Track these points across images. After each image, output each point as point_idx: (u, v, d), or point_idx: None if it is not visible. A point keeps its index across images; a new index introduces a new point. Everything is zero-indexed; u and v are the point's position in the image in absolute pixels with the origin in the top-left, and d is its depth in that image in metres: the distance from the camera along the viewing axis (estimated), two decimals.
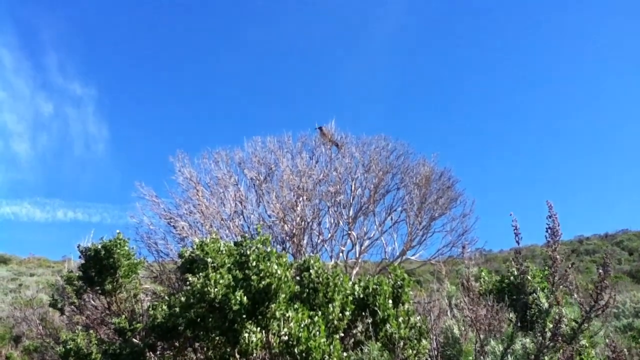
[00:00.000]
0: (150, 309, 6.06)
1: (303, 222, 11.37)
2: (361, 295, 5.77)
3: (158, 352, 6.09)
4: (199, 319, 5.14)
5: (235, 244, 6.04)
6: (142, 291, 8.81)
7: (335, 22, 68.32)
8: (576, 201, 47.92)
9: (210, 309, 5.01)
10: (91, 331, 7.08)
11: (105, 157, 62.00)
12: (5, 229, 47.61)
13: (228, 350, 5.08)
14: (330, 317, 5.31)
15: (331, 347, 5.00)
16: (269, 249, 5.37)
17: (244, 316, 4.94)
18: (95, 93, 63.33)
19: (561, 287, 3.63)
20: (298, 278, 5.60)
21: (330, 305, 5.36)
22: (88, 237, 8.12)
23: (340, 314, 5.43)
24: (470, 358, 4.41)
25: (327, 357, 4.94)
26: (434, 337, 5.52)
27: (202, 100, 67.73)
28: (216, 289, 4.90)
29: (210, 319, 5.01)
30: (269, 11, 66.73)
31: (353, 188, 12.78)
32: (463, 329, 4.65)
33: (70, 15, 61.02)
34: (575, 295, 3.50)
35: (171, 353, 6.10)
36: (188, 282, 5.18)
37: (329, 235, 12.28)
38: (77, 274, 8.22)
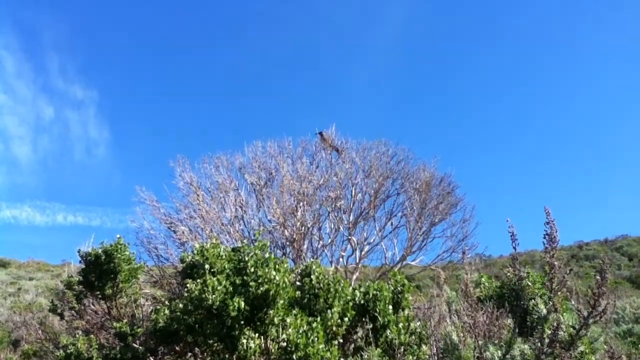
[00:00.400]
0: (153, 313, 6.07)
1: (303, 227, 11.38)
2: (361, 301, 5.78)
3: (159, 357, 6.10)
4: (197, 325, 5.14)
5: (234, 249, 6.06)
6: (142, 296, 8.82)
7: (336, 27, 68.47)
8: (576, 206, 47.94)
9: (208, 315, 5.02)
10: (91, 336, 7.08)
11: (105, 160, 62.04)
12: (5, 233, 47.57)
13: (227, 356, 5.08)
14: (329, 323, 5.32)
15: (329, 353, 5.01)
16: (267, 255, 5.38)
17: (242, 322, 4.94)
18: (96, 96, 63.38)
19: (560, 293, 3.65)
20: (299, 284, 5.61)
21: (329, 311, 5.37)
22: (88, 242, 8.14)
23: (339, 320, 5.43)
24: None
25: None
26: (434, 343, 5.53)
27: (203, 104, 67.84)
28: (214, 295, 4.91)
29: (208, 325, 5.02)
30: (269, 16, 66.91)
31: (353, 193, 12.80)
32: (462, 335, 4.66)
33: (71, 17, 61.15)
34: (573, 302, 3.51)
35: (171, 358, 6.11)
36: (186, 288, 5.19)
37: (329, 240, 12.30)
38: (77, 279, 8.23)
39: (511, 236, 3.67)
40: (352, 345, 5.60)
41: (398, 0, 65.30)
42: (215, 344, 5.04)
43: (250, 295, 4.95)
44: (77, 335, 7.04)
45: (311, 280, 5.49)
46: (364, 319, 5.58)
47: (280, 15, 67.07)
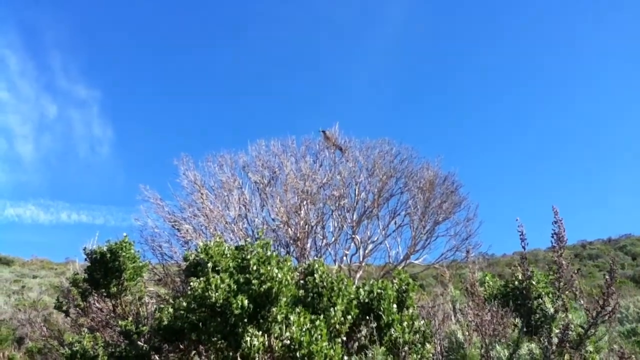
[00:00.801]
0: (157, 311, 6.09)
1: (307, 226, 11.39)
2: (365, 300, 5.78)
3: (163, 355, 6.12)
4: (200, 323, 5.16)
5: (237, 248, 6.07)
6: (147, 294, 8.84)
7: (337, 26, 68.41)
8: (579, 206, 47.84)
9: (211, 313, 5.03)
10: (97, 333, 7.10)
11: (109, 159, 62.12)
12: (9, 231, 47.70)
13: (230, 354, 5.09)
14: (332, 321, 5.33)
15: (332, 351, 5.02)
16: (269, 253, 5.39)
17: (246, 320, 4.95)
18: (99, 95, 63.51)
19: (567, 292, 3.65)
20: (302, 282, 5.62)
21: (332, 309, 5.38)
22: (93, 240, 8.16)
23: (342, 318, 5.44)
24: None
25: None
26: (438, 342, 5.54)
27: (206, 103, 67.87)
28: (217, 293, 4.92)
29: (212, 323, 5.03)
30: (270, 16, 66.90)
31: (357, 192, 12.80)
32: (467, 333, 4.66)
33: (74, 17, 61.22)
34: (582, 301, 3.51)
35: (176, 356, 6.12)
36: (190, 287, 5.21)
37: (333, 239, 12.30)
38: (83, 277, 8.25)
39: (520, 235, 3.68)
40: (356, 344, 5.61)
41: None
42: (219, 342, 5.05)
43: (253, 293, 4.97)
44: (82, 333, 7.06)
45: (314, 278, 5.49)
46: (368, 318, 5.58)
47: (282, 15, 67.10)
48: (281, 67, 69.47)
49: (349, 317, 5.48)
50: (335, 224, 12.51)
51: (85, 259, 7.86)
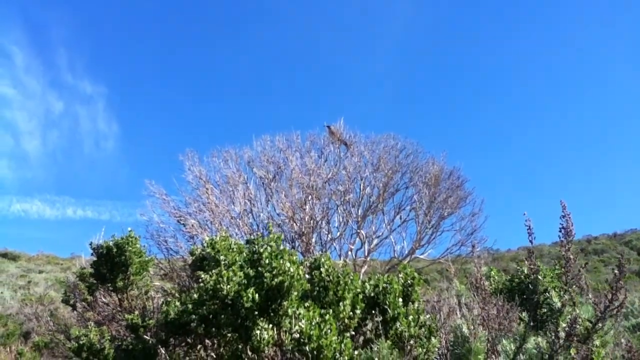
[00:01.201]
0: (163, 305, 6.12)
1: (312, 221, 11.41)
2: (371, 294, 5.79)
3: (169, 349, 6.15)
4: (210, 316, 5.18)
5: (247, 241, 6.09)
6: (153, 288, 8.88)
7: (343, 22, 68.32)
8: (584, 200, 47.63)
9: (222, 305, 5.06)
10: (104, 327, 7.15)
11: (115, 154, 62.39)
12: (16, 226, 48.02)
13: (240, 347, 5.12)
14: (341, 315, 5.34)
15: (342, 345, 5.03)
16: (281, 247, 5.41)
17: (256, 313, 4.98)
18: (105, 91, 63.72)
19: (574, 286, 3.65)
20: (308, 276, 5.64)
21: (340, 303, 5.39)
22: (99, 235, 8.20)
23: (351, 313, 5.46)
24: (480, 357, 4.43)
25: (338, 355, 4.97)
26: (444, 336, 5.55)
27: (211, 98, 67.97)
28: (229, 286, 4.95)
29: (222, 316, 5.06)
30: (277, 11, 66.84)
31: (362, 187, 12.81)
32: (472, 327, 4.67)
33: (80, 12, 61.30)
34: (590, 295, 3.51)
35: (182, 349, 6.16)
36: (200, 279, 5.23)
37: (338, 233, 12.33)
38: (89, 271, 8.30)
39: (528, 230, 3.67)
40: (362, 338, 5.63)
41: None
42: (229, 335, 5.08)
43: (265, 287, 4.99)
44: (89, 327, 7.11)
45: (321, 272, 5.51)
46: (373, 312, 5.60)
47: (287, 12, 67.06)
48: (286, 63, 69.54)
49: (357, 311, 5.49)
50: (341, 219, 12.54)
51: (92, 254, 7.91)
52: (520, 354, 3.83)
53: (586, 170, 60.05)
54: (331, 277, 5.48)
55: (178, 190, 11.84)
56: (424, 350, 5.48)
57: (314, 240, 11.51)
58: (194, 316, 5.22)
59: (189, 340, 6.02)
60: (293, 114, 58.75)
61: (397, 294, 5.75)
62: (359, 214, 12.61)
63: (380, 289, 5.76)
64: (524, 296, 6.15)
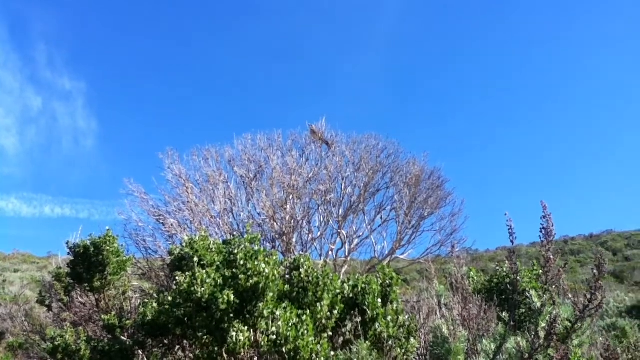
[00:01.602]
0: (141, 306, 6.04)
1: (293, 221, 11.37)
2: (350, 294, 5.77)
3: (147, 350, 6.07)
4: (186, 318, 5.12)
5: (224, 242, 6.03)
6: (131, 288, 8.76)
7: (328, 20, 68.32)
8: (561, 201, 48.38)
9: (197, 308, 4.99)
10: (80, 328, 7.03)
11: (94, 152, 61.54)
12: None
13: (216, 349, 5.06)
14: (319, 316, 5.32)
15: (319, 346, 5.01)
16: (257, 248, 5.36)
17: (232, 315, 4.91)
18: (84, 87, 62.80)
19: (554, 286, 3.68)
20: (288, 277, 5.60)
21: (318, 304, 5.37)
22: (76, 234, 8.07)
23: (329, 313, 5.43)
24: (460, 357, 4.44)
25: (315, 356, 4.94)
26: (423, 336, 5.55)
27: (192, 96, 67.40)
28: (203, 288, 4.88)
29: (197, 318, 4.99)
30: (261, 9, 66.55)
31: (343, 187, 12.82)
32: (452, 328, 4.68)
33: (60, 9, 60.34)
34: (570, 295, 3.53)
35: (160, 351, 6.08)
36: (175, 281, 5.16)
37: (319, 233, 12.31)
38: (66, 271, 8.16)
39: (509, 230, 3.68)
40: (341, 339, 5.61)
41: None
42: (205, 337, 5.01)
43: (240, 288, 4.93)
44: (65, 328, 6.98)
45: (300, 273, 5.47)
46: (352, 312, 5.58)
47: (271, 8, 66.76)
48: (268, 61, 69.25)
49: (335, 312, 5.47)
50: (321, 219, 12.53)
51: (68, 253, 7.78)
52: (501, 354, 3.84)
53: (563, 172, 60.96)
54: (310, 278, 5.45)
55: (157, 189, 11.73)
56: (403, 350, 5.48)
57: (294, 240, 11.48)
58: (169, 318, 5.15)
59: (166, 341, 5.94)
60: (275, 112, 58.64)
61: (376, 295, 5.74)
62: (340, 213, 12.61)
63: (359, 289, 5.75)
64: (503, 296, 6.19)
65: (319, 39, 70.10)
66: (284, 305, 5.15)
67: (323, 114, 14.90)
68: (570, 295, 3.54)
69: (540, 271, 3.77)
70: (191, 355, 5.54)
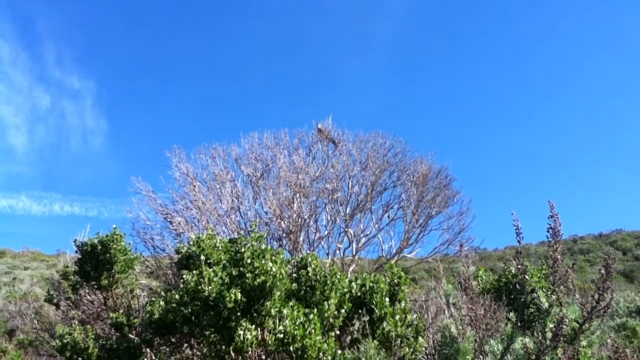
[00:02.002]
0: (148, 304, 6.04)
1: (300, 219, 11.36)
2: (358, 293, 5.76)
3: (154, 348, 6.08)
4: (193, 317, 5.12)
5: (231, 240, 6.03)
6: (138, 286, 8.79)
7: (335, 19, 68.21)
8: (570, 201, 48.03)
9: (204, 306, 4.98)
10: (88, 326, 7.05)
11: (102, 151, 61.80)
12: (1, 222, 47.41)
13: (223, 347, 5.06)
14: (326, 314, 5.31)
15: (326, 344, 5.00)
16: (263, 246, 5.35)
17: (239, 314, 4.91)
18: (93, 86, 63.09)
19: (562, 287, 3.64)
20: (295, 276, 5.59)
21: (325, 303, 5.36)
22: (84, 232, 8.10)
23: (336, 312, 5.42)
24: (468, 357, 4.41)
25: (322, 354, 4.93)
26: (431, 336, 5.53)
27: (199, 95, 67.53)
28: (210, 287, 4.87)
29: (204, 317, 4.99)
30: (267, 8, 66.58)
31: (350, 185, 12.78)
32: (461, 327, 4.65)
33: (68, 6, 60.62)
34: (577, 295, 3.50)
35: (167, 349, 6.09)
36: (182, 280, 5.16)
37: (326, 232, 12.28)
38: (73, 269, 8.18)
39: (516, 229, 3.65)
40: (349, 338, 5.59)
41: None
42: (212, 336, 5.01)
43: (247, 287, 4.92)
44: (73, 325, 7.01)
45: (307, 272, 5.46)
46: (360, 311, 5.56)
47: (279, 7, 66.77)
48: (275, 60, 69.28)
49: (343, 310, 5.45)
50: (328, 218, 12.51)
51: (76, 251, 7.80)
52: (508, 354, 3.81)
53: (573, 171, 60.56)
54: (318, 277, 5.44)
55: (165, 187, 11.77)
56: (411, 350, 5.46)
57: (301, 238, 11.47)
58: (177, 316, 5.15)
59: (173, 339, 5.95)
60: (281, 111, 58.61)
61: (383, 294, 5.72)
62: (347, 212, 12.58)
63: (367, 288, 5.73)
64: (512, 296, 6.15)
65: (324, 37, 70.03)
66: (291, 304, 5.14)
67: (329, 112, 14.86)
68: (578, 296, 3.50)
69: (549, 271, 3.73)
70: (198, 353, 5.54)
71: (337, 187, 12.45)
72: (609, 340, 4.28)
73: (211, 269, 5.06)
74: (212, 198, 11.47)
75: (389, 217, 12.90)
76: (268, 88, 69.16)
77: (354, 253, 12.30)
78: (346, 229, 12.43)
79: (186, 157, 12.05)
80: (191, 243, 5.92)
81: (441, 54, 68.86)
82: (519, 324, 4.05)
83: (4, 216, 45.77)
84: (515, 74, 66.49)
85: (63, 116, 61.73)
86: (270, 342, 4.90)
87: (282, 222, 11.19)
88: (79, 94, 63.17)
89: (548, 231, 3.53)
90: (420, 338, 5.58)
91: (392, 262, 9.99)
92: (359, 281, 5.86)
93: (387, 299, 5.74)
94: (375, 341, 5.14)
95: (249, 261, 5.07)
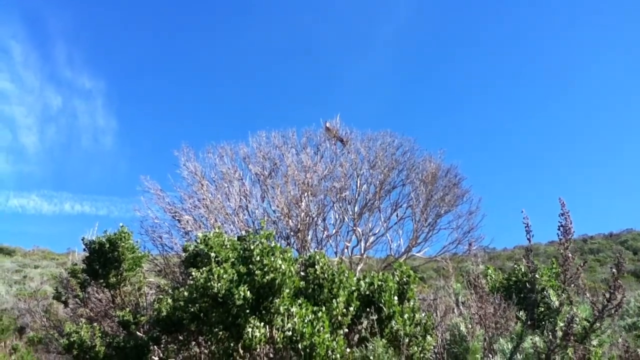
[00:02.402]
0: (155, 302, 6.05)
1: (308, 218, 11.33)
2: (366, 292, 5.73)
3: (162, 346, 6.08)
4: (202, 314, 5.11)
5: (239, 238, 6.01)
6: (146, 284, 8.80)
7: (342, 18, 68.15)
8: (580, 200, 47.65)
9: (213, 303, 4.98)
10: (95, 324, 7.07)
11: (113, 150, 62.18)
12: (13, 222, 47.83)
13: (232, 344, 5.05)
14: (334, 312, 5.28)
15: (335, 342, 4.97)
16: (272, 244, 5.33)
17: (248, 311, 4.90)
18: (103, 86, 63.45)
19: (572, 285, 3.59)
20: (303, 274, 5.57)
21: (334, 301, 5.33)
22: (92, 230, 8.12)
23: (344, 310, 5.39)
24: (478, 356, 4.37)
25: (330, 352, 4.91)
26: (440, 334, 5.49)
27: (208, 95, 67.71)
28: (219, 284, 4.87)
29: (213, 314, 4.99)
30: (275, 8, 66.63)
31: (358, 184, 12.73)
32: (470, 326, 4.61)
33: (79, 7, 60.96)
34: (588, 295, 3.45)
35: (175, 347, 6.09)
36: (191, 277, 5.15)
37: (334, 231, 12.25)
38: (82, 267, 8.21)
39: (526, 227, 3.60)
40: (357, 336, 5.56)
41: None
42: (220, 333, 5.00)
43: (256, 284, 4.91)
44: (80, 323, 7.02)
45: (315, 270, 5.44)
46: (368, 310, 5.53)
47: (285, 6, 66.80)
48: (283, 58, 69.34)
49: (351, 309, 5.43)
50: (337, 216, 12.47)
51: (84, 250, 7.83)
52: (517, 353, 3.77)
53: (583, 170, 60.11)
54: (326, 275, 5.41)
55: (173, 186, 11.79)
56: (420, 348, 5.42)
57: (309, 237, 11.44)
58: (185, 314, 5.15)
59: (181, 337, 5.95)
60: (289, 110, 58.62)
61: (392, 292, 5.68)
62: (355, 211, 12.54)
63: (376, 287, 5.70)
64: (521, 295, 6.10)
65: (330, 38, 70.01)
66: (299, 301, 5.12)
67: (337, 111, 14.82)
68: (588, 295, 3.45)
69: (559, 270, 3.68)
70: (206, 351, 5.53)
71: (346, 185, 12.41)
72: (619, 340, 4.22)
73: (221, 266, 5.05)
74: (220, 197, 11.48)
75: (397, 215, 12.84)
76: (276, 88, 69.26)
77: (362, 252, 12.26)
78: (354, 228, 12.39)
79: (194, 156, 12.08)
80: (199, 241, 5.91)
81: (447, 52, 68.68)
82: (528, 322, 4.00)
83: (16, 216, 46.19)
84: (526, 72, 66.13)
85: (74, 116, 62.22)
86: (278, 339, 4.88)
87: (290, 220, 11.17)
88: (90, 94, 63.60)
89: (559, 229, 3.48)
90: (428, 337, 5.55)
91: (401, 260, 9.94)
92: (367, 279, 5.84)
93: (396, 298, 5.71)
94: (383, 340, 5.11)
95: (258, 258, 5.06)
